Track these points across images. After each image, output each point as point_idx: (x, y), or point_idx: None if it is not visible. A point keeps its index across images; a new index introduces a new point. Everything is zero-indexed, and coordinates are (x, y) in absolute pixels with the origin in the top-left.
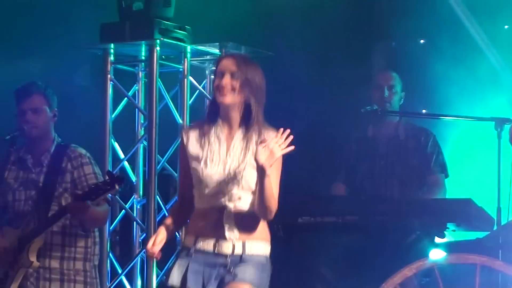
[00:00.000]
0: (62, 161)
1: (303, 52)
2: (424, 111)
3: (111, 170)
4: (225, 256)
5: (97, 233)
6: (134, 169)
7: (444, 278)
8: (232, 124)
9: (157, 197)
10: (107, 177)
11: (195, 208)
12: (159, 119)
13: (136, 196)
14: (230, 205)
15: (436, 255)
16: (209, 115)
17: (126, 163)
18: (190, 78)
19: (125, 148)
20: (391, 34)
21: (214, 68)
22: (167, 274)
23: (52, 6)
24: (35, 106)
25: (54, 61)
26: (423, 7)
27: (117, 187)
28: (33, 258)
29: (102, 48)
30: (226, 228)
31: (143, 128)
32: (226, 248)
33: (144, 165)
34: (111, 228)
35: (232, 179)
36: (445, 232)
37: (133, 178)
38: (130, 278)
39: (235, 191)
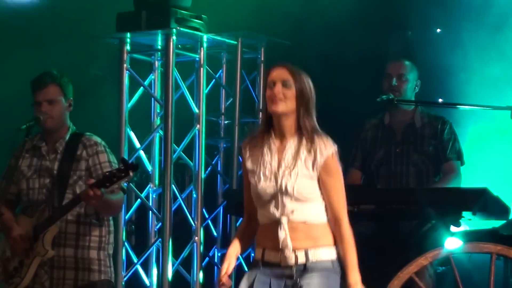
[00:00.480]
0: (77, 149)
1: (320, 41)
2: (440, 100)
3: (128, 159)
4: (290, 267)
5: (111, 222)
6: (150, 158)
7: (460, 267)
8: (285, 134)
9: (173, 186)
10: (121, 164)
11: (259, 222)
12: (175, 108)
13: (151, 186)
14: (284, 219)
15: (452, 244)
16: (262, 126)
17: (142, 152)
18: (206, 67)
19: (141, 137)
20: (408, 24)
21: (264, 79)
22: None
23: None
24: (51, 97)
25: (71, 50)
26: None
27: (131, 174)
28: (48, 247)
29: (118, 37)
30: (281, 241)
31: (159, 117)
32: (289, 259)
33: (160, 155)
34: (126, 217)
35: (284, 192)
36: (460, 221)
37: (149, 168)
38: (146, 268)
39: (288, 204)
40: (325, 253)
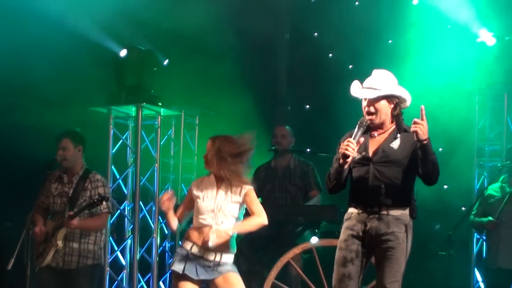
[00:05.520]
0: (85, 182)
1: (237, 111)
2: (308, 150)
3: (111, 185)
4: (210, 260)
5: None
6: (126, 184)
7: (319, 254)
8: (218, 179)
9: (140, 202)
10: (98, 197)
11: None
12: (142, 153)
13: (127, 202)
14: (215, 226)
15: (314, 240)
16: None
17: (121, 181)
18: (162, 128)
19: (120, 171)
20: (287, 101)
21: None
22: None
23: (70, 80)
24: (63, 145)
25: (73, 114)
26: (310, 78)
27: (104, 203)
28: (59, 241)
29: (107, 108)
30: (210, 239)
31: (132, 159)
32: (210, 256)
33: (132, 182)
34: (111, 221)
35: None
36: (320, 226)
37: (125, 191)
38: (123, 253)
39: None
40: (229, 258)
